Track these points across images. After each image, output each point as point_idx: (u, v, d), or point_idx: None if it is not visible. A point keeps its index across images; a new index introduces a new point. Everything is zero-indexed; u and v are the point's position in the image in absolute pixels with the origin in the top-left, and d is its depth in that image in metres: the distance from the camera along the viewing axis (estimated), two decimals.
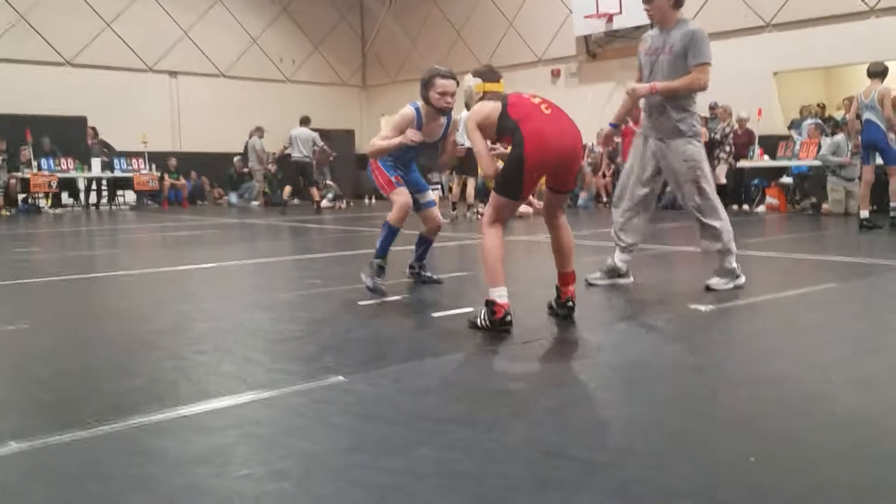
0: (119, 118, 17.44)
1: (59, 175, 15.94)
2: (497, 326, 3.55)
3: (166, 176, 17.61)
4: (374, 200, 18.56)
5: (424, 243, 5.22)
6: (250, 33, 20.08)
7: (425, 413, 2.49)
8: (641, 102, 4.88)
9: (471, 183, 12.16)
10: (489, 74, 3.98)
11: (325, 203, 15.80)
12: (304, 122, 15.14)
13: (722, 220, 4.74)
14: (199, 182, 18.71)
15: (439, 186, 12.94)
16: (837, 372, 2.93)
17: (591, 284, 5.00)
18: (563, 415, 2.49)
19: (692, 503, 1.80)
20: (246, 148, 17.95)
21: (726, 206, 12.87)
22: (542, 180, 3.93)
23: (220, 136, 18.99)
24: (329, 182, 17.01)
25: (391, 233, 4.81)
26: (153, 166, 17.41)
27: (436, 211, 5.16)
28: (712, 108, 13.22)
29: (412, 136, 4.58)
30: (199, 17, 19.25)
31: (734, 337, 3.71)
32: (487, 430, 2.31)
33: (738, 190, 13.28)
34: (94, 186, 17.21)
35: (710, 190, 4.74)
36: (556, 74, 17.21)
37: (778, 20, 13.30)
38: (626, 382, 2.90)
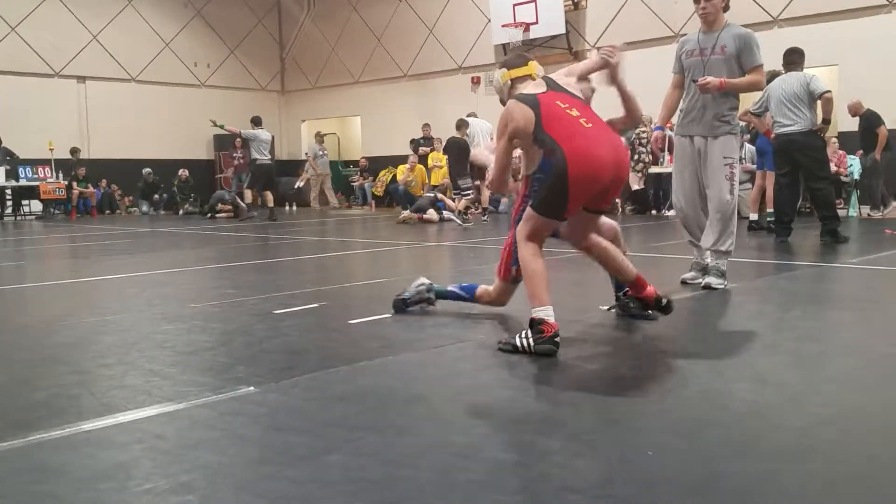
0: (24, 125, 16.73)
1: None
2: (542, 347, 3.21)
3: (74, 184, 16.98)
4: (294, 207, 18.36)
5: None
6: (163, 37, 19.59)
7: (336, 421, 2.49)
8: (684, 103, 5.02)
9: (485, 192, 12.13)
10: (513, 60, 3.68)
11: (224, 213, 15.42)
12: (258, 122, 14.24)
13: (735, 223, 4.92)
14: (108, 190, 18.12)
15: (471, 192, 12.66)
16: (732, 369, 3.06)
17: (685, 283, 5.06)
18: (475, 417, 2.53)
19: (588, 499, 1.86)
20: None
21: (643, 211, 13.41)
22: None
23: (130, 142, 18.45)
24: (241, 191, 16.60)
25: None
26: (60, 174, 16.77)
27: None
28: None
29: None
30: (108, 21, 18.66)
31: (634, 337, 3.82)
32: (398, 435, 2.33)
33: (655, 195, 13.68)
34: None
35: (737, 189, 4.90)
36: (475, 82, 17.39)
37: (686, 30, 13.79)
38: (535, 382, 2.96)
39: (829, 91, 7.39)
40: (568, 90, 3.50)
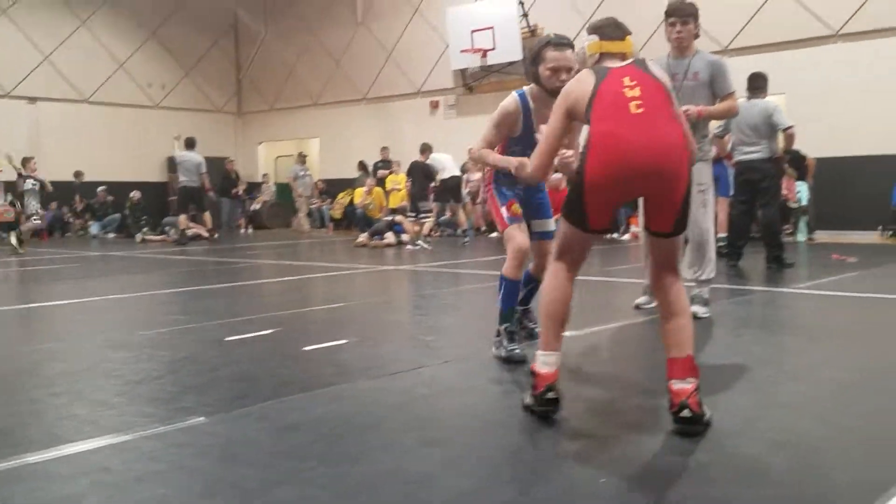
0: None
1: None
2: (538, 410, 2.70)
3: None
4: (250, 229, 18.14)
5: (532, 283, 3.92)
6: (117, 57, 19.31)
7: (288, 451, 2.44)
8: None
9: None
10: (609, 29, 2.90)
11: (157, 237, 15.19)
12: (190, 144, 14.27)
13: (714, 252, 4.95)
14: (59, 212, 17.71)
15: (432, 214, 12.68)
16: None
17: (639, 308, 5.03)
18: (432, 445, 2.50)
19: None
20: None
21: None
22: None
23: (82, 164, 18.08)
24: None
25: (510, 288, 3.70)
26: (9, 196, 16.34)
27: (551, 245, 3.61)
28: None
29: (516, 165, 3.40)
30: (60, 42, 18.34)
31: (589, 363, 3.83)
32: (352, 465, 2.29)
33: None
34: None
35: (711, 216, 4.92)
36: (434, 106, 17.46)
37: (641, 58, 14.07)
38: (493, 410, 2.95)
39: (791, 126, 7.55)
40: (655, 74, 2.75)
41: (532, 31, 15.38)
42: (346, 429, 2.67)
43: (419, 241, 11.91)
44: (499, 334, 3.73)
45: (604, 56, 2.84)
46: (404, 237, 12.70)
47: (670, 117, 2.66)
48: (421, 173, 12.61)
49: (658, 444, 2.49)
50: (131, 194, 17.47)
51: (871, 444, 2.45)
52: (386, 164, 15.81)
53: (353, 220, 15.86)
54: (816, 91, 11.94)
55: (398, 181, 14.61)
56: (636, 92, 2.65)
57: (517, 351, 3.63)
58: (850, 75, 11.87)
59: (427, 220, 12.53)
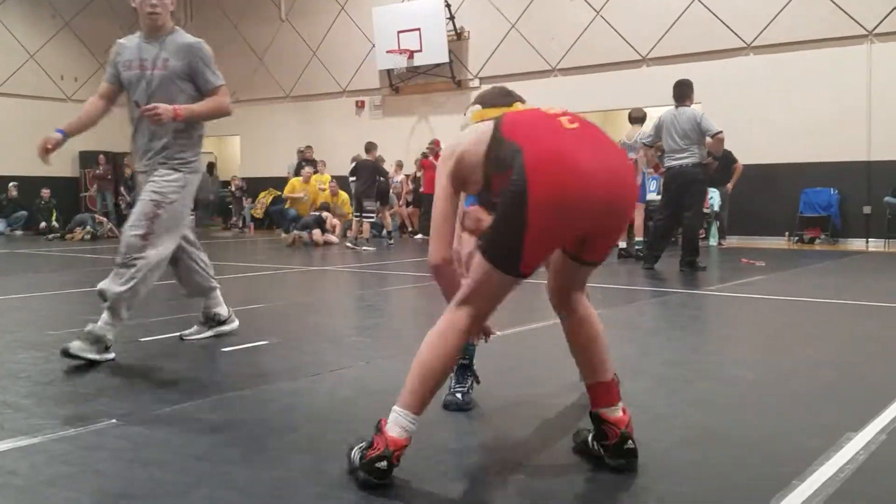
0: None
1: None
2: (357, 475, 2.13)
3: None
4: None
5: None
6: (27, 48, 18.52)
7: (204, 454, 2.39)
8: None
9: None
10: (493, 97, 2.64)
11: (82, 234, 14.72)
12: None
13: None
14: None
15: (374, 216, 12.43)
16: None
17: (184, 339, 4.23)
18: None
19: None
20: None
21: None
22: None
23: None
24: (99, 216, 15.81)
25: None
26: None
27: None
28: None
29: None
30: None
31: (508, 362, 3.88)
32: (269, 467, 2.27)
33: None
34: None
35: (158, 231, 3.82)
36: (360, 106, 17.37)
37: (563, 65, 14.33)
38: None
39: (721, 132, 7.81)
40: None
41: (458, 35, 15.50)
42: (263, 431, 2.64)
43: (355, 242, 11.83)
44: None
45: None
46: (330, 237, 12.65)
47: (604, 135, 2.25)
48: (369, 172, 12.52)
49: (567, 441, 2.55)
50: (42, 191, 16.81)
51: (774, 441, 2.56)
52: (309, 163, 15.62)
53: (276, 219, 15.59)
54: (730, 101, 12.40)
55: (324, 181, 14.49)
56: (558, 110, 2.27)
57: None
58: (761, 87, 12.40)
59: (371, 220, 12.45)
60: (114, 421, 2.72)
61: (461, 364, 2.96)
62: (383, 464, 2.08)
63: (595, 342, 2.36)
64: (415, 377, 2.19)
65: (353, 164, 12.83)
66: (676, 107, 7.97)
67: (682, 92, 8.04)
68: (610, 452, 2.26)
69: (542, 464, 2.38)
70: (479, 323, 2.25)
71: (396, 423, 2.14)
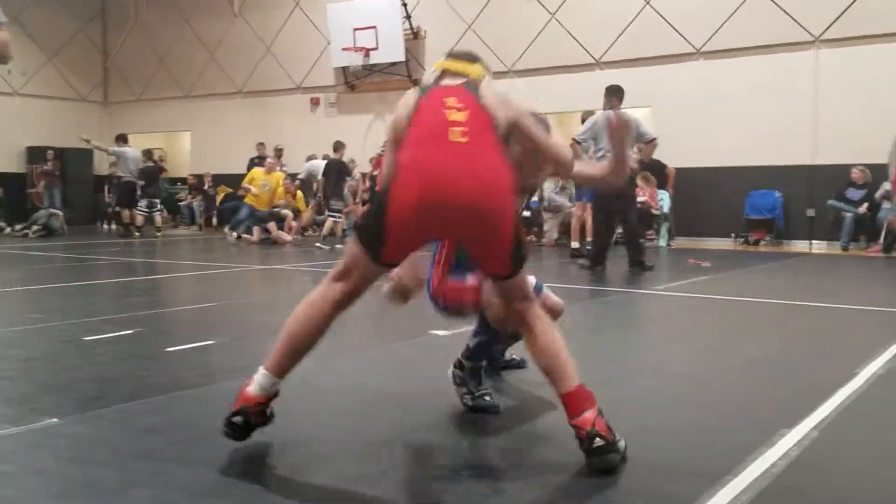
0: None
1: None
2: (224, 423, 2.35)
3: None
4: (113, 225, 17.26)
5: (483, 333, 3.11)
6: None
7: (144, 454, 2.39)
8: None
9: None
10: (459, 52, 2.78)
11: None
12: (124, 139, 14.63)
13: None
14: None
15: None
16: (544, 389, 3.22)
17: None
18: (294, 446, 2.51)
19: None
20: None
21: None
22: None
23: None
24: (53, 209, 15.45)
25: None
26: None
27: None
28: None
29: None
30: None
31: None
32: (209, 468, 2.27)
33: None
34: None
35: None
36: (315, 103, 17.25)
37: (518, 67, 14.44)
38: (360, 408, 2.98)
39: (656, 138, 7.92)
40: (483, 100, 2.45)
41: (414, 34, 15.50)
42: (206, 431, 2.62)
43: (323, 242, 11.79)
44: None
45: (445, 73, 2.66)
46: (285, 236, 12.59)
47: (493, 147, 2.37)
48: (335, 171, 12.46)
49: (496, 439, 2.60)
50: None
51: (709, 437, 2.65)
52: (262, 160, 15.45)
53: (227, 217, 15.39)
54: (679, 105, 12.65)
55: (276, 179, 14.37)
56: (461, 116, 2.36)
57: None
58: (710, 91, 12.65)
59: (337, 219, 12.38)
60: (54, 420, 2.69)
61: (476, 366, 2.99)
62: (238, 419, 2.30)
63: (548, 355, 2.40)
64: (281, 343, 2.36)
65: (325, 163, 12.85)
66: (613, 109, 8.07)
67: (614, 94, 8.10)
68: (585, 454, 2.29)
69: (542, 464, 2.42)
70: (350, 299, 2.40)
71: (256, 382, 2.35)
